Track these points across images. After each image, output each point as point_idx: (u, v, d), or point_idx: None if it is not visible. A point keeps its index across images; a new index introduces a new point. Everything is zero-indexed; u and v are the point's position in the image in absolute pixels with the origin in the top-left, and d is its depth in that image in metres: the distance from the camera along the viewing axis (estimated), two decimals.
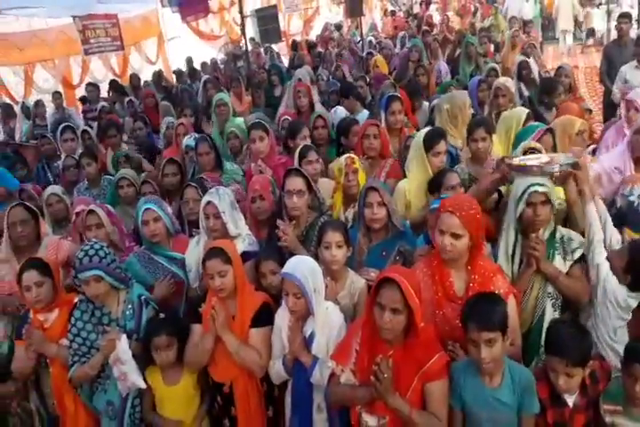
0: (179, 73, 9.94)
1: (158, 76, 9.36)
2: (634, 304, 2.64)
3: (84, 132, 5.87)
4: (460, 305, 2.42)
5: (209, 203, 3.13)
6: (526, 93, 5.81)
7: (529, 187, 2.67)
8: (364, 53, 9.65)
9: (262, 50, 11.73)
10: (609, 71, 6.52)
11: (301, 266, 2.57)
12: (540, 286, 2.72)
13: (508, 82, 4.86)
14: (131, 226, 3.76)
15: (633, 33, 7.93)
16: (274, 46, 12.10)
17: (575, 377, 2.18)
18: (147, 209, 3.28)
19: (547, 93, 4.99)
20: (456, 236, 2.44)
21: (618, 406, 2.26)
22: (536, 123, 3.78)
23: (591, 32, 15.10)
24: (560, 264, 2.73)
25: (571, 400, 2.25)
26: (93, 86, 8.76)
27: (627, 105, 4.08)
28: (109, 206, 3.58)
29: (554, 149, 3.41)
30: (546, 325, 2.67)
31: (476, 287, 2.45)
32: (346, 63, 8.75)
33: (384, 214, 2.97)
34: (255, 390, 2.75)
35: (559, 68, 5.50)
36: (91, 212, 3.39)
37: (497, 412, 2.24)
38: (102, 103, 8.02)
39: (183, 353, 2.80)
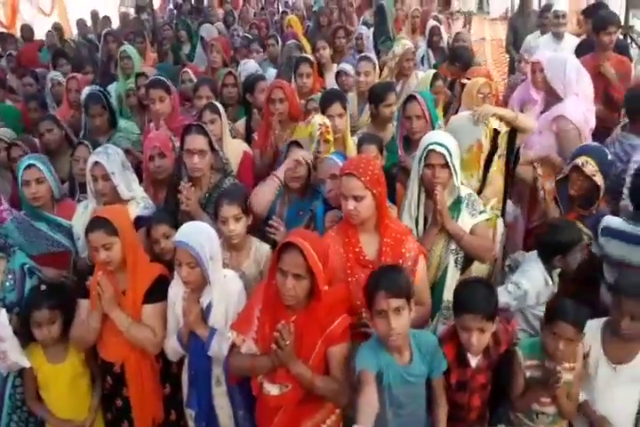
0: (81, 25, 9.12)
1: (58, 29, 8.53)
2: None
3: None
4: (373, 270, 2.38)
5: (96, 163, 2.87)
6: (433, 61, 5.79)
7: (428, 145, 2.66)
8: (280, 13, 9.33)
9: (171, 5, 11.07)
10: (515, 41, 6.67)
11: (196, 233, 2.41)
12: (443, 243, 2.73)
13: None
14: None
15: (535, 4, 8.25)
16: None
17: (486, 333, 2.22)
18: (29, 166, 2.94)
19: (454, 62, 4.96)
20: (358, 198, 2.37)
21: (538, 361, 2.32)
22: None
23: None
24: (468, 221, 2.73)
25: (474, 362, 2.30)
26: None
27: (533, 67, 4.16)
28: None
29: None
30: (449, 281, 2.74)
31: (388, 251, 2.43)
32: (263, 21, 8.46)
33: (303, 173, 2.93)
34: (149, 369, 2.60)
35: (457, 33, 5.67)
36: None
37: (412, 386, 2.23)
38: None
39: (69, 328, 2.58)
